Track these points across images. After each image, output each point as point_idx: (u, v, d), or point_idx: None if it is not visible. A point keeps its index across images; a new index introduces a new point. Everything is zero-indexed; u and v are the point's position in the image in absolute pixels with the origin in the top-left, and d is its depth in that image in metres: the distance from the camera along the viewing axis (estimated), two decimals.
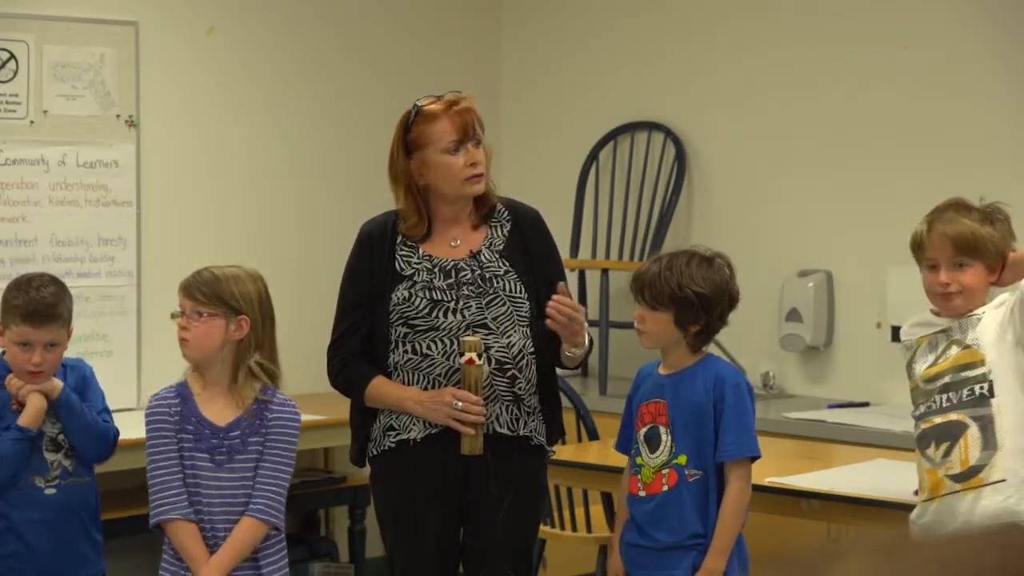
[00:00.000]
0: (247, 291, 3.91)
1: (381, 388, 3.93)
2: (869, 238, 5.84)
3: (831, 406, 5.66)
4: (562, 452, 4.20)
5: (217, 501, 3.84)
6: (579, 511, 5.07)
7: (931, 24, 5.78)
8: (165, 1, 6.10)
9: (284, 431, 3.92)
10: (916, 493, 3.91)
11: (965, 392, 3.62)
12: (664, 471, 3.78)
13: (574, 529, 5.08)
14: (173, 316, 3.92)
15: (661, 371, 3.87)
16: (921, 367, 3.69)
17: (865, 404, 5.69)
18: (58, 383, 4.09)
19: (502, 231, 3.99)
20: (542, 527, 5.04)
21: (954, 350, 3.66)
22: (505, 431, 3.90)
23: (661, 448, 3.78)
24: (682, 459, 3.75)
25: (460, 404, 3.81)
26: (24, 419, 4.03)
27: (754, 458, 3.79)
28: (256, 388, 3.90)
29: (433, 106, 3.93)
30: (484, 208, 4.00)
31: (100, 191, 5.89)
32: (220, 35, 6.24)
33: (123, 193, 5.94)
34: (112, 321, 5.80)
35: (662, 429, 3.78)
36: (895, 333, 3.91)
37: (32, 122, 5.75)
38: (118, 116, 5.93)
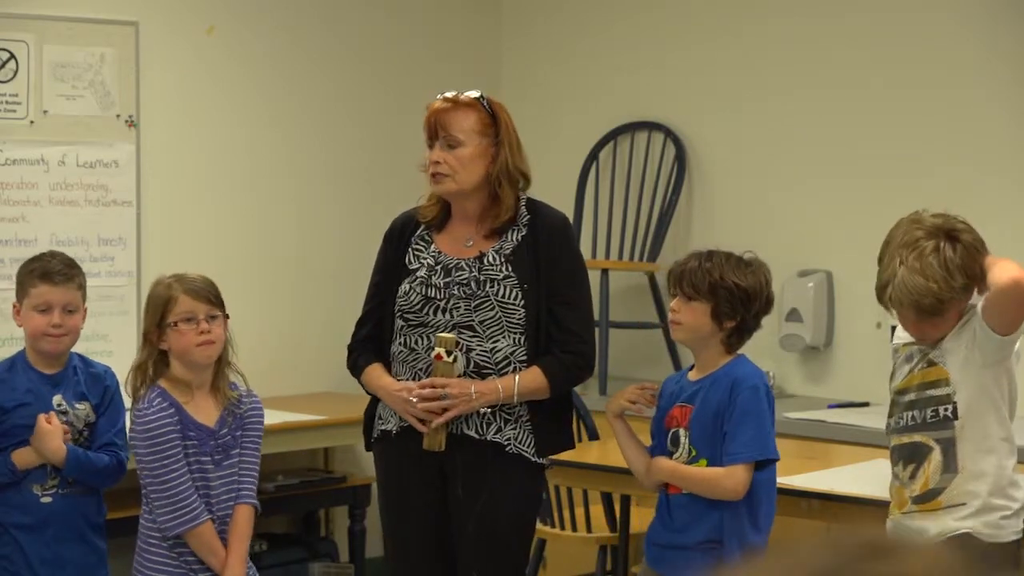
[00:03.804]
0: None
1: (371, 377, 4.03)
2: (869, 238, 5.77)
3: (831, 406, 5.66)
4: (564, 453, 4.18)
5: (219, 498, 3.92)
6: (579, 511, 5.07)
7: (931, 25, 5.78)
8: (165, 1, 6.10)
9: (258, 420, 4.04)
10: None
11: (929, 412, 3.57)
12: None
13: (574, 529, 5.08)
14: (180, 322, 3.89)
15: (692, 377, 3.82)
16: (897, 378, 3.67)
17: (865, 404, 5.68)
18: (61, 451, 4.07)
19: (515, 236, 3.99)
20: (542, 527, 5.04)
21: (920, 365, 3.62)
22: (472, 434, 3.91)
23: (680, 451, 3.76)
24: (703, 463, 3.72)
25: (414, 397, 3.86)
26: (18, 459, 4.08)
27: (762, 462, 3.75)
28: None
29: (434, 101, 3.97)
30: (496, 221, 3.98)
31: (100, 191, 5.89)
32: (220, 35, 6.24)
33: (123, 193, 5.94)
34: (112, 321, 5.80)
35: (682, 432, 3.76)
36: (895, 333, 3.88)
37: (32, 122, 5.75)
38: (118, 116, 5.93)
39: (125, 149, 5.95)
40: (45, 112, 5.77)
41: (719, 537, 3.72)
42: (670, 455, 3.79)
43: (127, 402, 4.05)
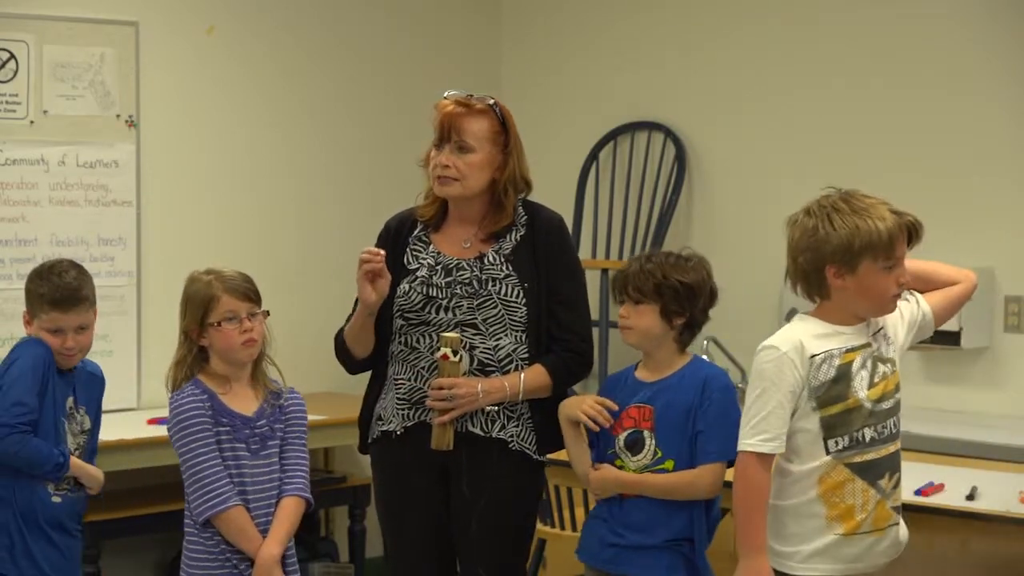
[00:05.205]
0: None
1: (349, 325, 4.01)
2: None
3: None
4: (562, 452, 4.19)
5: (255, 488, 3.91)
6: (579, 511, 5.07)
7: (931, 26, 5.78)
8: (165, 1, 6.10)
9: (301, 415, 4.04)
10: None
11: (899, 417, 3.54)
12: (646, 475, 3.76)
13: (574, 529, 5.08)
14: (222, 322, 3.90)
15: (643, 377, 3.83)
16: (862, 387, 3.49)
17: None
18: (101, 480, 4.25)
19: (515, 236, 3.99)
20: (542, 527, 5.04)
21: (883, 370, 3.53)
22: (477, 431, 3.91)
23: (644, 451, 3.76)
24: (669, 464, 3.72)
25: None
26: (75, 466, 4.14)
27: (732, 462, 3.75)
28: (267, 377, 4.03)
29: (443, 101, 3.96)
30: (496, 226, 3.99)
31: (100, 191, 5.89)
32: (220, 35, 6.24)
33: (123, 193, 5.95)
34: (112, 321, 5.80)
35: (646, 433, 3.75)
36: (802, 345, 3.80)
37: (32, 122, 5.76)
38: (118, 116, 5.94)
39: (125, 149, 5.95)
40: (45, 112, 5.78)
41: (689, 535, 3.72)
42: (613, 458, 3.78)
43: (165, 397, 4.06)
